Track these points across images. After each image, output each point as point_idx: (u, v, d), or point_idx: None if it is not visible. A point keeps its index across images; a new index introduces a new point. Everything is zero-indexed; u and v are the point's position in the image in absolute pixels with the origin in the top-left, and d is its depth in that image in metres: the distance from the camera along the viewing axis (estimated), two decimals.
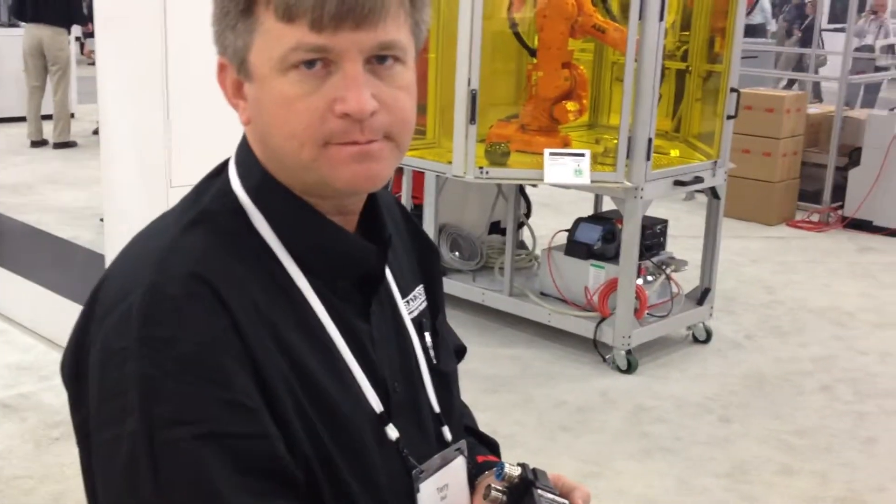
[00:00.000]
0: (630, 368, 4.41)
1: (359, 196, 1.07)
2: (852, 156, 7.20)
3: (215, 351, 0.94)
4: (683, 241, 5.66)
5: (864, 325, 5.23)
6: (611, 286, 4.44)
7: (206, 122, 3.24)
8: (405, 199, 5.22)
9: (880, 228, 6.94)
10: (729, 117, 4.56)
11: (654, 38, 4.07)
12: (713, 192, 4.71)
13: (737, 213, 6.83)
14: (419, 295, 1.21)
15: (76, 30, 10.11)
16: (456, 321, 2.54)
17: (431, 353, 1.18)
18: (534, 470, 1.14)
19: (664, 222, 4.77)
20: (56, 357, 3.83)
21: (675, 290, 4.65)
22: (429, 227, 4.85)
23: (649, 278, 4.56)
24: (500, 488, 1.13)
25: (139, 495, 0.92)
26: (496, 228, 5.33)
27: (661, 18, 4.06)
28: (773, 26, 14.09)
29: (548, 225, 5.51)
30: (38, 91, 9.16)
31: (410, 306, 1.18)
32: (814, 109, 7.72)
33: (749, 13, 10.86)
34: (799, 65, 12.16)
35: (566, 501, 1.13)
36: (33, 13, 8.80)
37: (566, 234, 4.73)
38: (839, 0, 13.43)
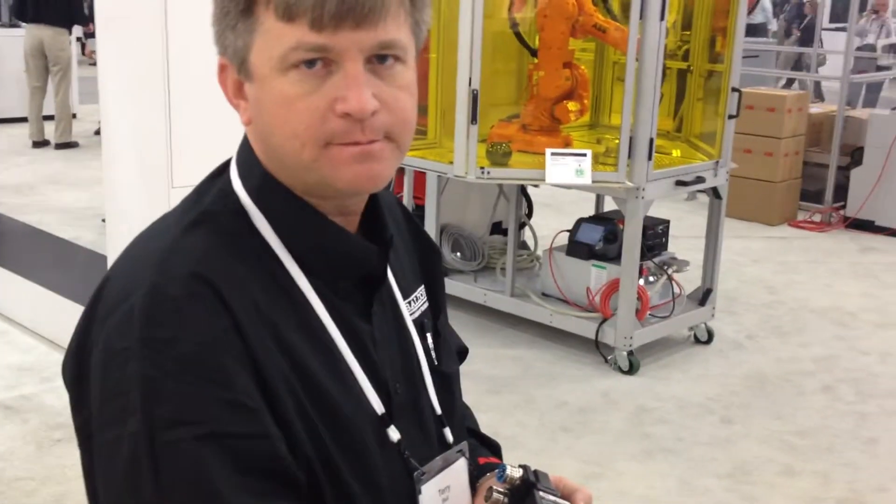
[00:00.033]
0: (632, 369, 4.41)
1: (360, 196, 1.07)
2: (854, 155, 7.19)
3: (216, 351, 0.94)
4: (685, 242, 5.65)
5: (865, 325, 5.23)
6: (612, 287, 4.44)
7: (207, 122, 3.24)
8: (407, 200, 5.22)
9: (882, 228, 6.93)
10: (730, 117, 4.56)
11: (655, 37, 4.06)
12: (715, 192, 4.70)
13: (738, 213, 6.83)
14: (421, 296, 1.20)
15: (77, 30, 10.13)
16: (457, 322, 2.54)
17: (433, 354, 1.18)
18: (535, 472, 1.14)
19: (666, 222, 4.77)
20: (57, 358, 3.82)
21: (676, 290, 4.65)
22: (430, 228, 4.85)
23: (651, 279, 4.56)
24: (501, 490, 1.12)
25: (140, 496, 0.92)
26: (498, 229, 5.33)
27: (663, 18, 4.05)
28: (774, 26, 14.09)
29: (549, 225, 5.51)
30: (40, 91, 9.17)
31: (412, 307, 1.17)
32: (815, 109, 7.72)
33: (750, 12, 10.87)
34: (797, 64, 12.16)
35: (567, 503, 1.13)
36: (34, 13, 8.81)
37: (568, 234, 4.72)
38: None
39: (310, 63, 0.96)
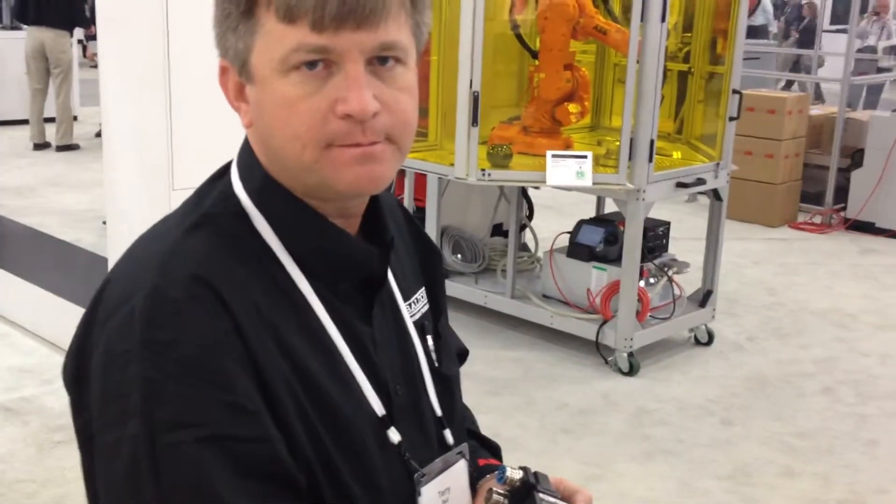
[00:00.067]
0: (632, 371, 4.41)
1: (361, 198, 1.07)
2: (854, 157, 7.19)
3: (217, 353, 0.94)
4: (685, 243, 5.65)
5: (865, 326, 5.23)
6: (613, 288, 4.44)
7: (207, 124, 3.24)
8: (407, 202, 5.22)
9: (882, 230, 6.93)
10: (731, 119, 4.56)
11: (655, 39, 4.07)
12: (715, 194, 4.70)
13: (739, 214, 6.83)
14: (421, 298, 1.20)
15: (79, 32, 10.13)
16: (458, 323, 2.54)
17: (433, 356, 1.18)
18: (535, 473, 1.14)
19: (666, 224, 4.77)
20: (58, 360, 3.83)
21: (677, 292, 4.65)
22: (431, 230, 4.85)
23: (651, 280, 4.56)
24: (501, 492, 1.12)
25: (141, 498, 0.92)
26: (498, 231, 5.33)
27: (663, 20, 4.05)
28: (774, 27, 14.09)
29: (550, 227, 5.51)
30: (41, 94, 9.17)
31: (412, 309, 1.17)
32: (816, 111, 7.72)
33: (751, 14, 10.87)
34: (795, 66, 12.17)
35: None
36: (35, 16, 8.81)
37: (568, 236, 4.73)
38: (841, 1, 13.43)
39: (311, 64, 0.96)
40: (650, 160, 4.19)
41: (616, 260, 4.48)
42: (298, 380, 0.99)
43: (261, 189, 1.04)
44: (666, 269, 4.61)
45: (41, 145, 9.25)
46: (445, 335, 1.24)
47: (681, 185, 4.45)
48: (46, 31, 8.87)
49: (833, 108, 7.74)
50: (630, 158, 4.18)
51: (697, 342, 4.84)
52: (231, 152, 1.09)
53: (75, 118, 9.64)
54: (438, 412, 1.16)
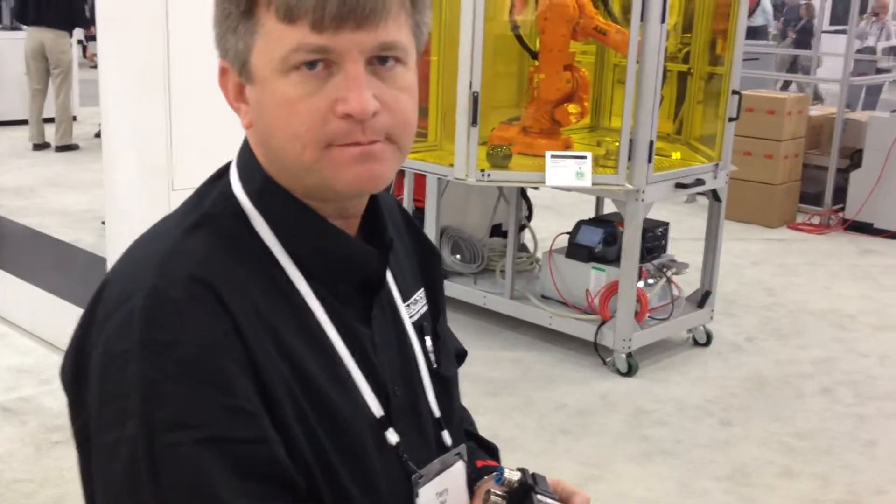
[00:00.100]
0: (630, 371, 4.41)
1: (360, 199, 1.07)
2: (853, 158, 7.20)
3: (216, 354, 0.94)
4: (684, 244, 5.65)
5: (864, 327, 5.23)
6: (612, 289, 4.44)
7: (207, 124, 3.24)
8: (407, 202, 5.22)
9: (881, 231, 6.94)
10: (730, 119, 4.56)
11: (655, 40, 4.07)
12: (714, 195, 4.71)
13: (738, 215, 6.83)
14: (420, 298, 1.20)
15: (78, 33, 10.13)
16: (457, 324, 2.54)
17: (432, 357, 1.18)
18: (533, 475, 1.14)
19: (665, 225, 4.77)
20: (56, 361, 3.82)
21: (675, 292, 4.65)
22: (430, 230, 4.85)
23: (650, 281, 4.56)
24: (499, 493, 1.12)
25: (139, 499, 0.92)
26: (497, 231, 5.33)
27: (663, 20, 4.06)
28: (774, 28, 14.10)
29: (549, 227, 5.51)
30: (41, 94, 9.17)
31: (411, 310, 1.17)
32: (815, 111, 7.72)
33: (750, 15, 10.87)
34: (792, 66, 12.17)
35: None
36: (35, 16, 8.81)
37: (567, 236, 4.73)
38: (840, 2, 13.43)
39: (311, 64, 0.96)
40: (649, 161, 4.19)
41: (615, 260, 4.48)
42: (297, 381, 0.99)
43: (260, 190, 1.04)
44: (665, 269, 4.61)
45: (41, 146, 9.25)
46: (444, 336, 1.24)
47: (680, 185, 4.45)
48: (46, 31, 8.87)
49: (832, 108, 7.74)
50: (629, 159, 4.18)
51: (696, 343, 4.84)
52: (231, 153, 1.09)
53: (75, 118, 9.64)
54: (437, 413, 1.16)
